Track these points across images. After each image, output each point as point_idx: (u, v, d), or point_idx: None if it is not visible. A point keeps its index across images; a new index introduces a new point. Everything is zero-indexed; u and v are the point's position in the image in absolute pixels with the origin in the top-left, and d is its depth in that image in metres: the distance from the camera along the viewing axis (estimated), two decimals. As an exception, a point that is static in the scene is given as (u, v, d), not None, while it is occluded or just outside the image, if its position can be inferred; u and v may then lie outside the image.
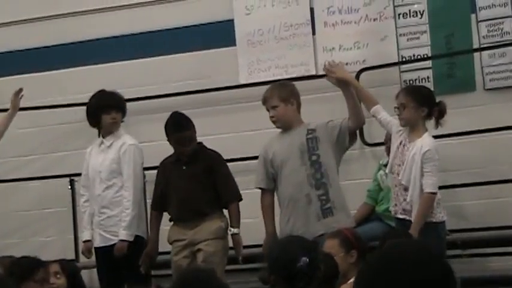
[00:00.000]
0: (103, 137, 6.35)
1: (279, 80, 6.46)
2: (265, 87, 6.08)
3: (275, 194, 5.84)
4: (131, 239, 6.10)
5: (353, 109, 5.70)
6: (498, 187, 6.67)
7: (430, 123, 5.59)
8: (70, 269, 5.47)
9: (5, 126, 6.68)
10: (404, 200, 5.49)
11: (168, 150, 6.14)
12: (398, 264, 1.84)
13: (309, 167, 5.65)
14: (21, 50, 7.93)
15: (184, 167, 6.01)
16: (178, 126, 6.01)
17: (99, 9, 7.80)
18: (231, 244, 5.97)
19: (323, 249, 4.43)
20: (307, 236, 4.69)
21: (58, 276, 5.26)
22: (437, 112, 5.55)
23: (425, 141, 5.46)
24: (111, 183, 6.22)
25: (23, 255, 5.20)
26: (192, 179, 5.94)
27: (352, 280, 4.00)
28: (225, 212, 6.03)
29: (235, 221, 5.91)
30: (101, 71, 7.62)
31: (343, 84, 5.75)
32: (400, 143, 5.57)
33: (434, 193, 5.41)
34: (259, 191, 5.83)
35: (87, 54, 7.74)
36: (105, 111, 6.29)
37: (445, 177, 5.60)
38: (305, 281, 3.27)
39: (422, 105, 5.53)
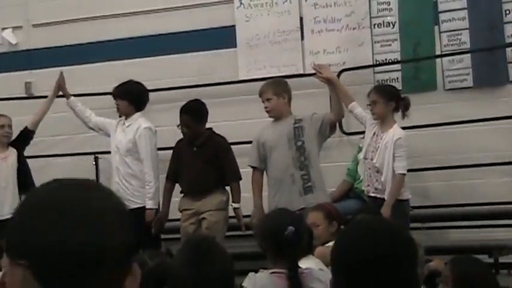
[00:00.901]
0: (125, 118, 6.35)
1: (273, 77, 6.44)
2: (261, 83, 6.08)
3: (264, 173, 5.84)
4: (156, 206, 6.10)
5: (336, 104, 5.71)
6: (454, 171, 6.68)
7: (397, 116, 5.60)
8: None
9: (50, 103, 6.62)
10: (377, 180, 5.48)
11: (175, 134, 6.13)
12: (364, 237, 1.84)
13: (295, 151, 5.64)
14: (58, 47, 7.88)
15: (195, 149, 6.00)
16: (181, 110, 6.01)
17: (126, 13, 7.74)
18: (230, 215, 5.99)
19: (306, 221, 4.43)
20: (290, 209, 4.71)
21: None
22: (403, 106, 5.55)
23: (396, 131, 5.48)
24: (128, 160, 6.20)
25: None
26: (201, 160, 5.92)
27: (329, 244, 4.00)
28: (228, 188, 6.04)
29: (237, 197, 5.92)
30: (123, 66, 7.55)
31: (329, 82, 5.76)
32: (374, 134, 5.57)
33: (404, 174, 5.43)
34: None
35: (114, 52, 7.68)
36: (114, 98, 6.29)
37: (410, 162, 5.59)
38: (290, 246, 3.26)
39: (390, 100, 5.54)
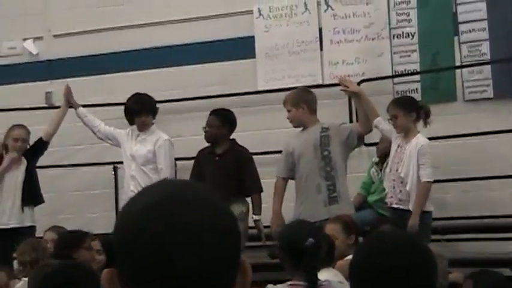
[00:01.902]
0: (139, 131, 6.33)
1: (292, 88, 6.40)
2: (279, 94, 6.09)
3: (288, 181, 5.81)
4: None
5: (363, 117, 5.68)
6: (473, 183, 6.62)
7: (419, 125, 5.54)
8: (109, 244, 5.37)
9: (62, 113, 6.61)
10: (400, 191, 5.42)
11: (194, 144, 6.11)
12: (383, 249, 1.81)
13: (321, 160, 5.60)
14: (79, 57, 7.90)
15: (217, 158, 6.01)
16: (210, 112, 6.12)
17: (147, 24, 7.75)
18: (250, 225, 5.97)
19: (326, 232, 4.39)
20: (314, 219, 4.75)
21: (99, 252, 5.13)
22: (424, 114, 5.51)
23: (419, 140, 5.43)
24: (145, 169, 6.21)
25: (70, 230, 5.14)
26: (222, 170, 5.92)
27: (348, 257, 3.96)
28: (248, 199, 6.02)
29: (257, 209, 5.92)
30: (143, 76, 7.58)
31: (355, 96, 5.73)
32: (398, 146, 5.52)
33: (430, 182, 5.36)
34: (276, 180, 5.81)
35: (134, 62, 7.69)
36: (136, 114, 6.26)
37: (429, 173, 5.54)
38: (309, 258, 3.23)
39: (410, 111, 5.48)
